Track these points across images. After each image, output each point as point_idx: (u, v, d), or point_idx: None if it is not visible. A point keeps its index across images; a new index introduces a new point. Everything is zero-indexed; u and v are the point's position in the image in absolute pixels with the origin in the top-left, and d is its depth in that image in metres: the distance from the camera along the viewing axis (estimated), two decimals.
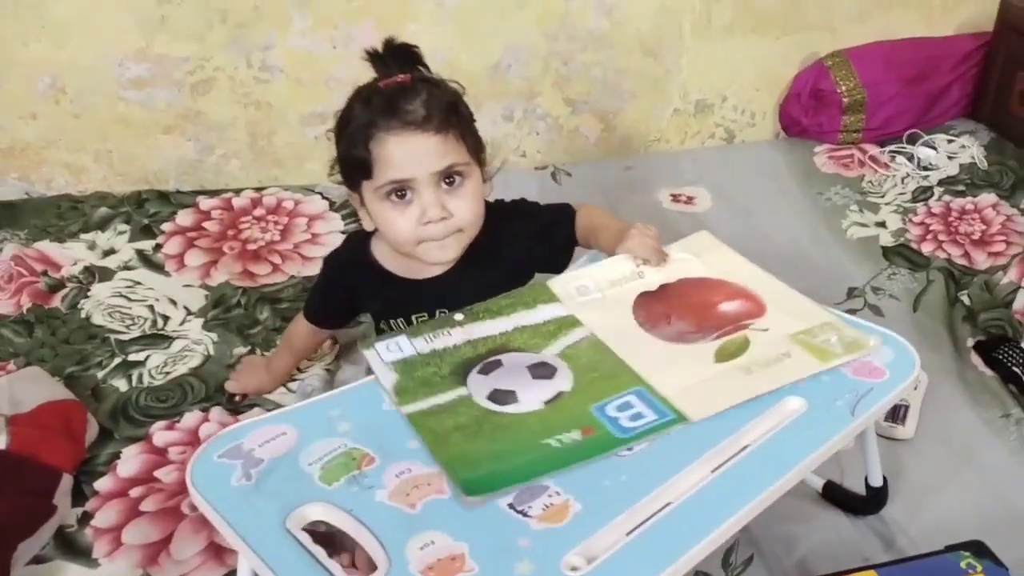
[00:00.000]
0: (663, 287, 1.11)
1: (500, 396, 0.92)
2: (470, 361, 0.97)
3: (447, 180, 1.05)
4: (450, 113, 1.03)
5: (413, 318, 1.15)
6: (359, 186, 1.07)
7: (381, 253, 1.16)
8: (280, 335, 1.51)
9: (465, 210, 1.06)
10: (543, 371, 0.96)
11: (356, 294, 1.21)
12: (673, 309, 1.06)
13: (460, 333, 1.01)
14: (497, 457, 0.84)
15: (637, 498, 0.80)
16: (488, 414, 0.90)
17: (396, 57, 1.07)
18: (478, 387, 0.93)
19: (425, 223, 1.05)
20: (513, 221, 1.17)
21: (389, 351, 0.98)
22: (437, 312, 1.12)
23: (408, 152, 1.01)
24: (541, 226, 1.19)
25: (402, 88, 1.03)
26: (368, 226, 1.12)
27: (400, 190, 1.04)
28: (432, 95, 1.03)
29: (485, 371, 0.96)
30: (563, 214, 1.20)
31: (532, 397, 0.92)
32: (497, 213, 1.15)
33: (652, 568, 0.73)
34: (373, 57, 1.07)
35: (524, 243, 1.16)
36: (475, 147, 1.08)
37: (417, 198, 1.04)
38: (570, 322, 1.03)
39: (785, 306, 1.05)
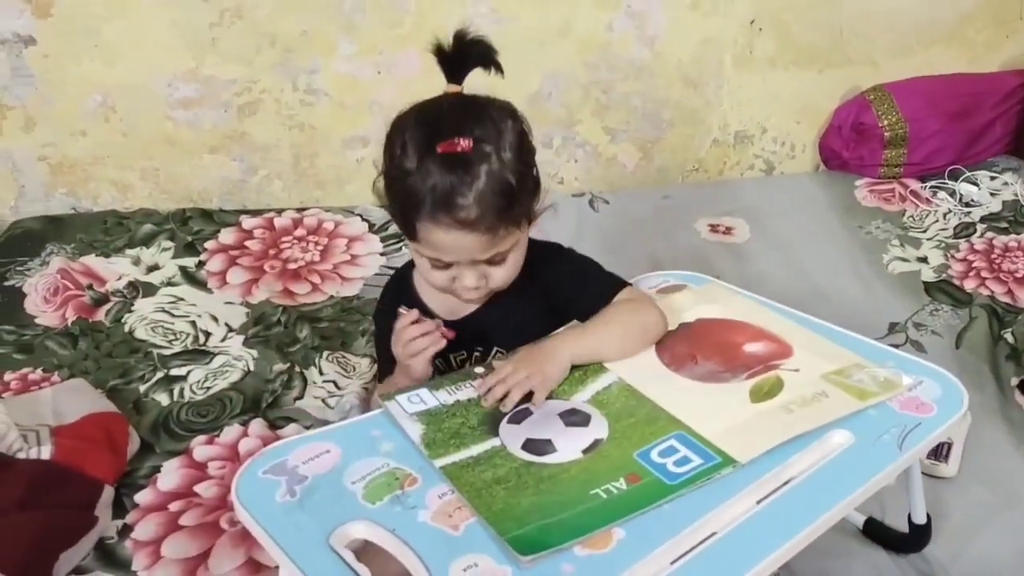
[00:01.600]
0: (682, 326, 1.10)
1: (536, 446, 0.89)
2: (497, 411, 0.95)
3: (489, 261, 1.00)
4: (503, 209, 0.94)
5: (451, 357, 1.11)
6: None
7: (423, 284, 1.11)
8: (318, 354, 1.53)
9: (502, 277, 1.02)
10: (576, 418, 0.94)
11: None
12: (697, 349, 1.05)
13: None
14: (545, 511, 0.81)
15: (681, 527, 0.79)
16: (527, 465, 0.87)
17: (467, 55, 0.99)
18: (511, 437, 0.91)
19: (459, 286, 1.02)
20: (557, 263, 1.12)
21: (412, 403, 0.96)
22: (474, 350, 1.10)
23: (454, 244, 0.96)
24: (582, 279, 1.12)
25: (459, 161, 0.92)
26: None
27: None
28: (490, 179, 0.93)
29: (516, 420, 0.94)
30: (609, 282, 1.11)
31: (569, 446, 0.89)
32: (540, 252, 1.09)
33: None
34: (440, 57, 0.99)
35: (566, 289, 1.10)
36: (527, 214, 1.00)
37: (456, 268, 1.00)
38: (596, 368, 1.02)
39: (811, 348, 1.05)
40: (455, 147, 0.92)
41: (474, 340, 1.08)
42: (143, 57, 1.84)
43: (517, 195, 0.96)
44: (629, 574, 0.75)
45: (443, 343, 1.02)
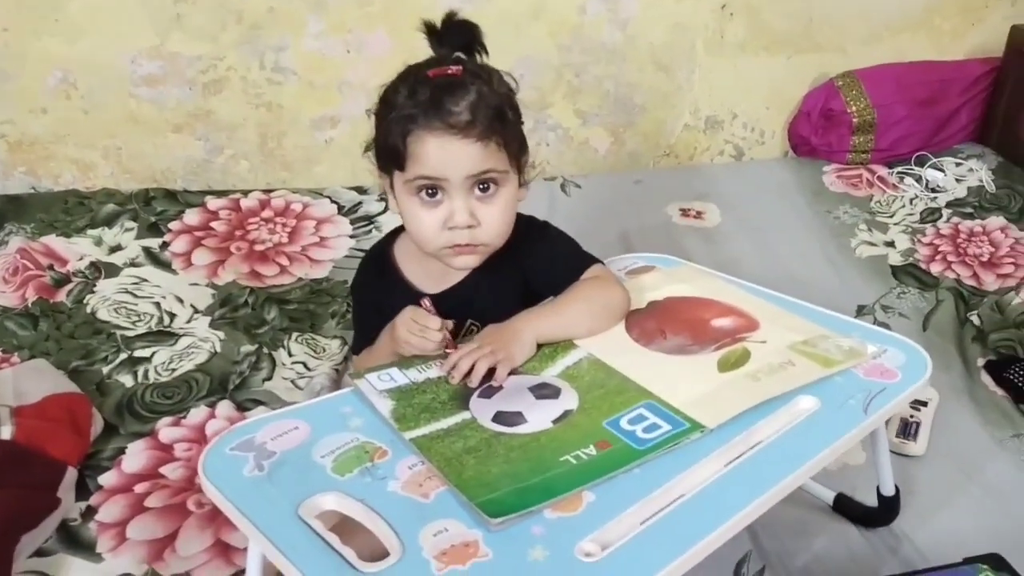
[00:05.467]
0: (651, 304, 1.11)
1: (506, 418, 0.90)
2: (467, 387, 0.95)
3: (481, 186, 0.99)
4: (495, 120, 0.97)
5: None
6: (391, 173, 1.02)
7: (404, 257, 1.11)
8: (287, 336, 1.51)
9: (493, 221, 1.01)
10: (546, 391, 0.95)
11: (384, 311, 1.11)
12: (666, 324, 1.07)
13: None
14: (515, 477, 0.81)
15: (650, 490, 0.80)
16: (498, 436, 0.87)
17: (454, 34, 1.01)
18: (481, 410, 0.91)
19: (451, 227, 1.00)
20: (535, 239, 1.11)
21: (381, 380, 0.95)
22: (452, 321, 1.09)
23: (445, 154, 0.96)
24: (556, 256, 1.12)
25: (451, 81, 0.96)
26: (393, 208, 1.06)
27: (431, 188, 0.98)
28: (481, 96, 0.96)
29: (486, 394, 0.94)
30: (580, 260, 1.12)
31: (539, 417, 0.90)
32: (524, 228, 1.09)
33: (666, 555, 0.73)
34: (429, 31, 1.02)
35: (539, 264, 1.11)
36: (517, 153, 1.02)
37: (447, 200, 0.99)
38: (565, 344, 1.03)
39: (778, 321, 1.07)
40: (445, 71, 0.97)
41: (451, 313, 1.07)
42: (106, 33, 1.80)
43: (508, 118, 0.99)
44: (599, 534, 0.75)
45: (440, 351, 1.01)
